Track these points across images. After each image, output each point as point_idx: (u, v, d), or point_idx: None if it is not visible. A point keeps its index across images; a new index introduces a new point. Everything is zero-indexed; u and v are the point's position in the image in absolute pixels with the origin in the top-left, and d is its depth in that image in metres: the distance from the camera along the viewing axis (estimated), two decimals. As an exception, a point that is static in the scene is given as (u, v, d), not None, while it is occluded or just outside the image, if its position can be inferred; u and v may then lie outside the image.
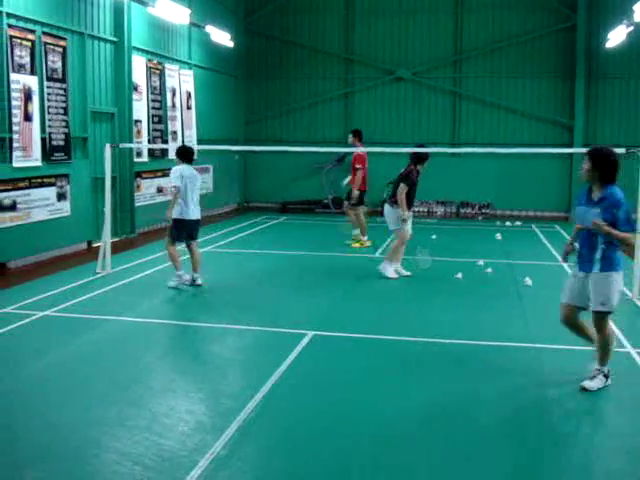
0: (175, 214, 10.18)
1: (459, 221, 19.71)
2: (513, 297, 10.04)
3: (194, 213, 10.36)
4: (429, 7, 21.55)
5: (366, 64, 22.11)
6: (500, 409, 5.84)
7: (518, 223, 18.62)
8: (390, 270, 11.26)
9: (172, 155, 17.35)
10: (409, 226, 11.46)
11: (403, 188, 11.22)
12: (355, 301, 9.87)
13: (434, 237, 15.61)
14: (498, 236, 15.71)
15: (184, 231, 10.28)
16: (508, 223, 18.52)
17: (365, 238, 14.58)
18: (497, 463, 4.87)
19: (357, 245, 14.39)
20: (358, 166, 14.27)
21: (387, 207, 11.64)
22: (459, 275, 11.52)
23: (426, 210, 21.63)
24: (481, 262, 12.65)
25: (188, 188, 10.22)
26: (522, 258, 13.15)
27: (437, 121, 21.87)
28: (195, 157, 11.31)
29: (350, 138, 14.72)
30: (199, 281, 10.35)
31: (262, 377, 6.40)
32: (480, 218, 20.34)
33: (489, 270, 12.03)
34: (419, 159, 11.57)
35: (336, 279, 11.37)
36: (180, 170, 10.27)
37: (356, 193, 14.33)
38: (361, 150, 14.30)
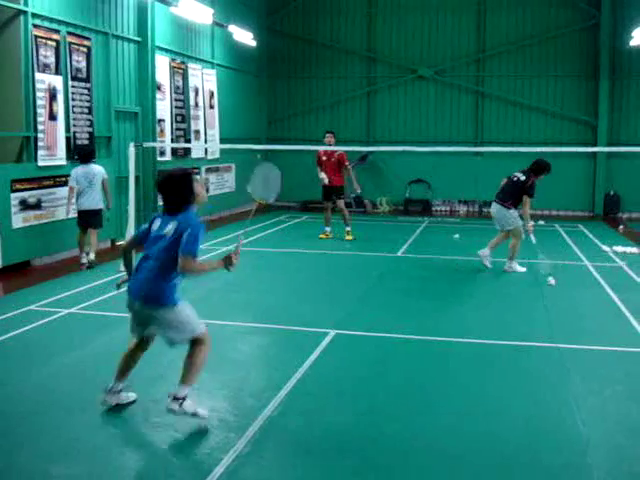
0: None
1: (482, 220, 19.59)
2: (535, 297, 9.97)
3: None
4: (451, 5, 21.51)
5: (388, 63, 22.10)
6: (520, 410, 5.82)
7: (541, 222, 18.48)
8: (517, 266, 11.57)
9: (195, 154, 17.56)
10: (521, 226, 11.61)
11: (527, 200, 11.57)
12: (377, 300, 9.86)
13: (457, 236, 15.55)
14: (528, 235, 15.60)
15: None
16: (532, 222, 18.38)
17: (329, 230, 15.19)
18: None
19: (351, 238, 14.87)
20: (348, 163, 14.98)
21: (498, 207, 11.75)
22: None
23: (449, 209, 21.57)
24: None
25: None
26: (545, 257, 13.05)
27: (459, 120, 21.81)
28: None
29: (332, 138, 14.93)
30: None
31: (284, 376, 6.41)
32: (503, 217, 20.20)
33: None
34: (540, 170, 11.85)
35: (358, 278, 11.37)
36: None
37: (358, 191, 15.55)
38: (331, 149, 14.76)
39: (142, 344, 5.79)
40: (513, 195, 11.54)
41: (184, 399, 5.30)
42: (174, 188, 5.45)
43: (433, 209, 21.56)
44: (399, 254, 13.47)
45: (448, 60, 21.66)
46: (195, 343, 5.46)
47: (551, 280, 10.75)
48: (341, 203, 14.94)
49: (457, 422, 5.55)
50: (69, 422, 5.44)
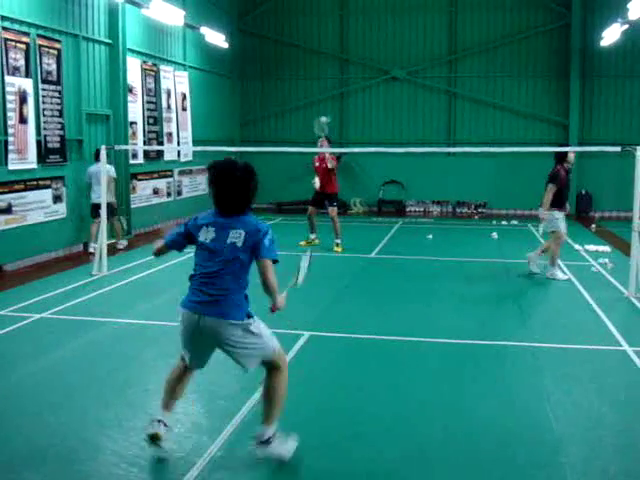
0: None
1: (455, 220, 19.73)
2: (508, 296, 10.04)
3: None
4: (424, 7, 21.60)
5: (361, 64, 22.15)
6: (496, 409, 5.84)
7: (514, 222, 18.64)
8: (559, 273, 11.12)
9: (168, 157, 17.47)
10: (564, 226, 11.15)
11: (551, 188, 11.01)
12: (351, 301, 9.87)
13: (430, 237, 15.63)
14: (494, 235, 15.73)
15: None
16: (504, 222, 18.54)
17: (313, 236, 14.36)
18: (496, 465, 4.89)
19: (340, 250, 13.82)
20: (331, 166, 14.00)
21: (540, 210, 11.29)
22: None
23: (422, 210, 21.67)
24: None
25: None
26: (518, 257, 13.16)
27: (432, 121, 21.91)
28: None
29: (323, 142, 14.14)
30: None
31: (258, 378, 6.37)
32: (476, 217, 20.36)
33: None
34: (560, 158, 11.51)
35: (331, 279, 11.36)
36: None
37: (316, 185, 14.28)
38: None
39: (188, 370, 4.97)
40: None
41: (270, 440, 4.73)
42: (241, 185, 4.53)
43: (407, 210, 21.64)
44: (373, 255, 13.50)
45: (420, 61, 21.76)
46: (271, 368, 4.81)
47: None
48: (333, 211, 14.02)
49: (430, 422, 5.57)
50: (37, 428, 5.38)
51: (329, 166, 13.98)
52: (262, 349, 4.73)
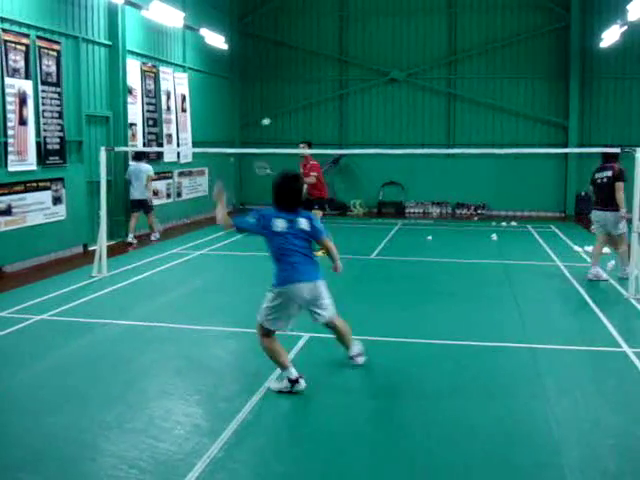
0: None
1: (455, 222, 19.73)
2: (508, 297, 10.04)
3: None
4: (423, 8, 21.61)
5: (360, 66, 22.15)
6: (495, 411, 5.84)
7: (514, 223, 18.65)
8: (602, 273, 11.02)
9: (168, 158, 17.49)
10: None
11: (621, 186, 10.66)
12: (351, 302, 9.84)
13: (430, 238, 15.62)
14: (494, 237, 15.72)
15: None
16: (504, 223, 18.55)
17: None
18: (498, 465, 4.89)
19: (320, 254, 13.67)
20: (314, 173, 13.55)
21: (606, 214, 10.92)
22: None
23: (422, 211, 21.67)
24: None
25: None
26: (518, 258, 13.17)
27: (432, 122, 21.92)
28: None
29: (304, 147, 13.73)
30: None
31: (258, 380, 6.40)
32: (476, 219, 20.36)
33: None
34: (614, 155, 10.99)
35: (332, 280, 11.32)
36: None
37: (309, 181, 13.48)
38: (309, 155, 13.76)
39: (273, 334, 6.30)
40: (610, 196, 10.83)
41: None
42: (298, 190, 6.31)
43: (406, 211, 21.64)
44: (373, 256, 13.50)
45: (420, 63, 21.76)
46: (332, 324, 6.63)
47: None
48: (316, 215, 13.83)
49: (429, 423, 5.57)
50: (37, 430, 5.38)
51: (307, 181, 13.21)
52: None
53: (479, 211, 21.19)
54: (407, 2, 21.71)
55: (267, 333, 6.25)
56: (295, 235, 6.26)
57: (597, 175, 11.10)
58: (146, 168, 14.95)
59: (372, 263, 12.94)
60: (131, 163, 15.18)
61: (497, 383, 6.51)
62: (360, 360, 6.78)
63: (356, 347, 6.82)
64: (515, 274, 11.70)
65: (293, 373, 6.08)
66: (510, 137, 21.14)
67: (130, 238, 14.75)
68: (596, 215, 11.13)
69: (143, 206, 15.08)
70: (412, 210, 21.77)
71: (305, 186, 13.65)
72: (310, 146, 13.94)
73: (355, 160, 21.81)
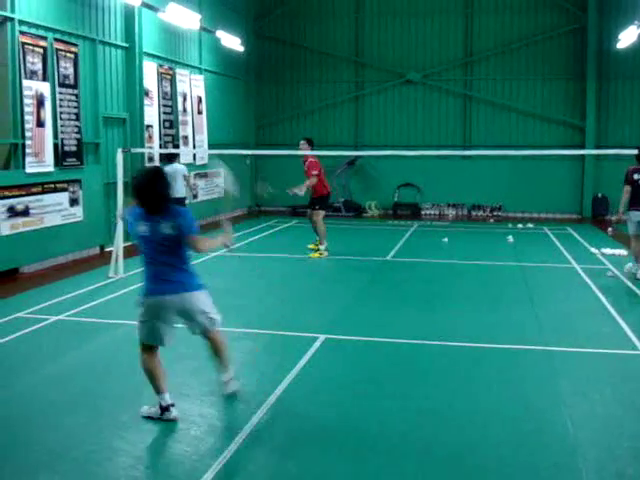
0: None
1: (470, 224, 19.67)
2: (524, 299, 10.00)
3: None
4: (439, 9, 21.57)
5: (376, 67, 22.14)
6: (512, 413, 5.82)
7: (530, 225, 18.56)
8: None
9: (184, 160, 17.56)
10: None
11: None
12: (367, 304, 9.86)
13: (445, 240, 15.57)
14: (510, 238, 15.66)
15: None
16: (520, 225, 18.46)
17: (324, 247, 13.63)
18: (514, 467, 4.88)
19: (316, 255, 13.49)
20: (315, 172, 13.55)
21: (638, 213, 11.04)
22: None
23: (437, 213, 21.62)
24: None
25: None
26: (534, 260, 13.12)
27: (448, 124, 21.87)
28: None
29: (303, 146, 13.77)
30: None
31: (274, 381, 6.41)
32: (492, 220, 20.28)
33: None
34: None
35: (347, 282, 11.38)
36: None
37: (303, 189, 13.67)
38: (310, 154, 13.70)
39: (154, 350, 5.76)
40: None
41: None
42: (158, 189, 5.38)
43: (422, 213, 21.59)
44: (389, 258, 13.49)
45: (436, 64, 21.73)
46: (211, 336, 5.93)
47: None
48: (318, 215, 13.68)
49: (447, 425, 5.56)
50: (54, 429, 5.41)
51: (310, 183, 13.56)
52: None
53: (495, 213, 21.11)
54: (423, 3, 21.68)
55: (146, 348, 5.68)
56: (158, 242, 5.43)
57: (636, 176, 11.06)
58: (181, 168, 15.31)
59: (388, 265, 12.93)
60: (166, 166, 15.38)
61: (513, 385, 6.49)
62: (232, 387, 5.98)
63: (230, 372, 5.98)
64: (532, 276, 11.66)
65: (166, 400, 5.57)
66: (526, 138, 21.05)
67: None
68: (635, 215, 11.10)
69: (180, 204, 15.21)
70: (428, 212, 21.72)
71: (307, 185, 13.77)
72: (311, 143, 13.87)
73: (371, 162, 21.80)
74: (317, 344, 7.63)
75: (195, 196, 18.53)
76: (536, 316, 9.04)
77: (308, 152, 13.71)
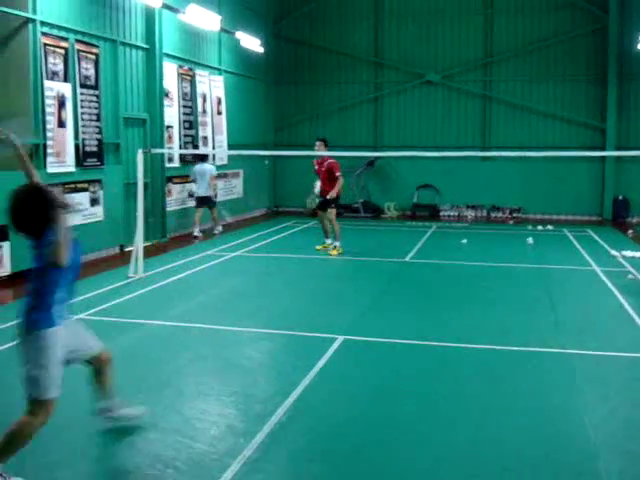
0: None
1: (490, 225, 19.59)
2: (544, 302, 9.95)
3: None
4: (459, 10, 21.51)
5: (395, 68, 22.11)
6: (532, 416, 5.80)
7: (550, 227, 18.45)
8: None
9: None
10: None
11: None
12: (385, 305, 9.85)
13: (465, 241, 15.52)
14: (530, 240, 15.58)
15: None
16: (539, 227, 18.36)
17: (339, 243, 13.94)
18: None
19: (335, 253, 13.76)
20: (339, 173, 13.85)
21: None
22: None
23: (456, 214, 21.55)
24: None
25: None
26: (554, 262, 13.05)
27: (467, 125, 21.80)
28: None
29: (320, 146, 13.91)
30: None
31: (293, 382, 6.42)
32: (511, 222, 20.20)
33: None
34: None
35: (366, 283, 11.37)
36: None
37: (333, 195, 13.86)
38: (328, 155, 13.96)
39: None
40: None
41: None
42: (27, 213, 4.43)
43: (441, 214, 21.53)
44: (407, 259, 13.46)
45: (456, 65, 21.67)
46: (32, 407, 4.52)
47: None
48: (331, 214, 13.91)
49: (466, 428, 5.54)
50: (74, 428, 5.45)
51: (337, 174, 13.86)
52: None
53: (514, 214, 21.01)
54: (442, 4, 21.63)
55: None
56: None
57: None
58: (210, 168, 16.48)
59: (406, 266, 12.90)
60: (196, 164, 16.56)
61: (532, 388, 6.45)
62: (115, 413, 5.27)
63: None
64: (551, 278, 11.60)
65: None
66: (546, 140, 20.94)
67: (196, 232, 16.17)
68: None
69: (207, 202, 16.46)
70: (446, 213, 21.66)
71: (319, 184, 13.86)
72: (326, 144, 14.04)
73: (390, 162, 21.77)
74: (336, 345, 7.63)
75: (215, 196, 18.57)
76: (556, 318, 8.99)
77: (326, 153, 13.81)
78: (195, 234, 16.14)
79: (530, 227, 18.44)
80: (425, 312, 9.39)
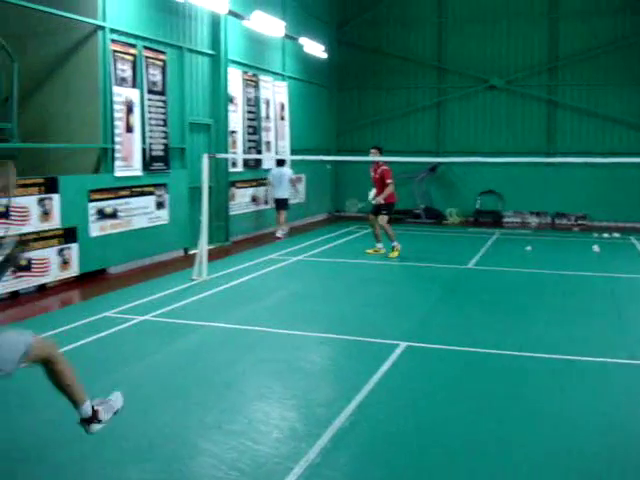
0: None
1: (554, 232, 19.27)
2: (611, 312, 9.73)
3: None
4: (524, 14, 21.25)
5: (459, 73, 21.95)
6: (599, 428, 5.68)
7: (616, 235, 18.06)
8: None
9: (266, 165, 17.82)
10: None
11: None
12: (448, 312, 9.78)
13: (529, 248, 15.29)
14: (596, 248, 15.27)
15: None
16: (605, 235, 17.98)
17: (381, 245, 14.42)
18: None
19: (395, 254, 13.95)
20: (390, 180, 13.98)
21: None
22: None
23: (520, 221, 21.26)
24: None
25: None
26: (621, 271, 12.76)
27: (532, 130, 21.50)
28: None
29: (375, 154, 14.15)
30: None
31: (355, 387, 6.41)
32: (576, 229, 19.83)
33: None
34: None
35: (427, 289, 11.30)
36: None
37: (380, 200, 14.08)
38: (382, 162, 14.14)
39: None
40: None
41: (94, 416, 4.48)
42: None
43: (504, 220, 21.27)
44: (470, 266, 13.33)
45: (520, 69, 21.40)
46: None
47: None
48: (382, 219, 14.03)
49: (528, 436, 5.45)
50: (141, 427, 5.54)
51: (388, 181, 13.97)
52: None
53: (580, 221, 20.63)
54: (507, 8, 21.39)
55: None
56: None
57: None
58: (288, 172, 17.30)
59: (469, 273, 12.79)
60: (273, 168, 17.50)
61: (597, 398, 6.32)
62: (106, 416, 4.61)
63: (97, 404, 4.58)
64: (619, 288, 11.35)
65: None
66: (613, 145, 20.51)
67: (279, 233, 17.03)
68: None
69: (284, 204, 17.22)
70: (510, 220, 21.39)
71: (374, 191, 13.94)
72: (381, 152, 14.28)
73: (452, 168, 21.62)
74: (398, 351, 7.60)
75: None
76: (623, 329, 8.80)
77: (383, 158, 13.99)
78: (278, 235, 16.86)
79: (596, 234, 18.08)
80: (488, 320, 9.28)
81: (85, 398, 4.41)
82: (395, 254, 13.91)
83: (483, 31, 21.64)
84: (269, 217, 18.08)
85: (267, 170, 18.19)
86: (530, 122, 21.53)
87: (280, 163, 17.28)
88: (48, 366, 4.27)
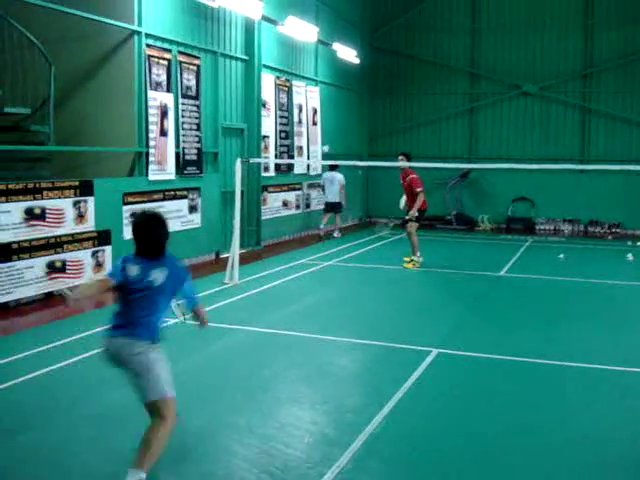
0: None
1: (587, 240, 19.07)
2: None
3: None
4: (558, 20, 21.07)
5: (491, 79, 21.82)
6: (624, 435, 5.62)
7: (654, 244, 17.81)
8: None
9: (298, 170, 17.86)
10: None
11: None
12: (480, 319, 9.73)
13: (562, 256, 15.15)
14: (630, 257, 15.09)
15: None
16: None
17: (417, 257, 13.65)
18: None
19: (410, 266, 13.46)
20: (419, 189, 13.53)
21: None
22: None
23: (552, 228, 21.08)
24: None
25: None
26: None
27: (565, 137, 21.30)
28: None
29: (403, 160, 13.82)
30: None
31: (387, 393, 6.41)
32: (610, 238, 19.60)
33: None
34: None
35: (460, 296, 11.25)
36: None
37: (413, 214, 13.63)
38: (411, 170, 13.77)
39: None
40: None
41: None
42: (157, 231, 4.84)
43: (536, 228, 21.10)
44: (502, 273, 13.24)
45: (554, 76, 21.21)
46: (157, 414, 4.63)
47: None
48: (412, 227, 13.62)
49: (564, 447, 5.41)
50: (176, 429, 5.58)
51: (417, 190, 13.53)
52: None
53: (613, 230, 20.39)
54: (541, 14, 21.23)
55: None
56: (141, 289, 4.71)
57: None
58: (339, 176, 17.96)
59: (501, 280, 12.71)
60: (326, 173, 18.31)
61: (633, 408, 6.25)
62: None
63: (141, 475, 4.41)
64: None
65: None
66: (648, 153, 20.25)
67: (336, 233, 18.02)
68: None
69: (335, 207, 18.11)
70: (542, 227, 21.22)
71: (404, 198, 13.73)
72: (409, 158, 14.06)
73: (484, 174, 21.50)
74: (430, 358, 7.58)
75: (308, 205, 18.75)
76: (658, 338, 8.69)
77: (416, 164, 13.79)
78: (320, 230, 17.61)
79: (630, 243, 17.86)
80: (521, 328, 9.21)
81: (146, 470, 4.46)
82: (410, 265, 13.48)
83: (517, 37, 21.49)
84: (300, 222, 18.12)
85: (301, 175, 18.23)
86: (563, 129, 21.34)
87: (333, 168, 17.82)
88: (155, 423, 4.59)
